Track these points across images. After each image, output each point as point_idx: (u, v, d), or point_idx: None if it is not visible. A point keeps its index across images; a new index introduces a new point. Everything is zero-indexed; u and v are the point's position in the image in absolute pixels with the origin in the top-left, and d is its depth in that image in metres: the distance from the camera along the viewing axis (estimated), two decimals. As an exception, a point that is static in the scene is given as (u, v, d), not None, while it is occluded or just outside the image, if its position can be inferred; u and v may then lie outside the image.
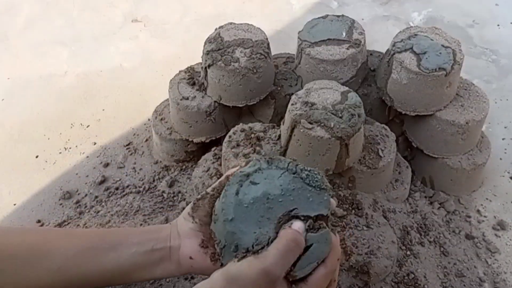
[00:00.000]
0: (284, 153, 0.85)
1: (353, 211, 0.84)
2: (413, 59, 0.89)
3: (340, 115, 0.79)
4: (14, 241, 0.61)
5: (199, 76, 1.00)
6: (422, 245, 0.88)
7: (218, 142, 1.02)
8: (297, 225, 0.53)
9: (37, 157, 1.12)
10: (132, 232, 0.66)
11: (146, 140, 1.13)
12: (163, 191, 0.99)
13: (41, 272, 0.60)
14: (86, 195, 1.01)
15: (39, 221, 0.97)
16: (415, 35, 0.93)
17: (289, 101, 0.84)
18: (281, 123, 0.87)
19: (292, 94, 0.85)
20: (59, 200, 1.01)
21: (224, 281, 0.51)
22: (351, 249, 0.76)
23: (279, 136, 0.87)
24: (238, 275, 0.51)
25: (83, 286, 0.63)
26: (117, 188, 1.01)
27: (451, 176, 0.96)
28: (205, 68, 0.94)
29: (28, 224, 0.96)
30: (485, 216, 0.97)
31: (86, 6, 1.60)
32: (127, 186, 1.02)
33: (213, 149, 0.97)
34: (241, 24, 0.99)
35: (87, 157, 1.11)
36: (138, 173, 1.05)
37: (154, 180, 1.03)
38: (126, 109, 1.23)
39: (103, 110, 1.24)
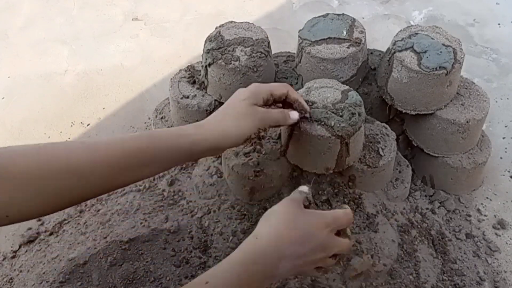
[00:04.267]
0: (284, 152, 0.85)
1: (355, 210, 0.84)
2: (413, 58, 0.88)
3: (340, 114, 0.79)
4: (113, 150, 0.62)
5: (200, 75, 0.99)
6: (422, 244, 0.88)
7: (218, 140, 1.01)
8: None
9: (37, 155, 1.12)
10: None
11: (147, 138, 1.12)
12: (164, 190, 0.99)
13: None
14: (86, 193, 1.01)
15: (39, 220, 0.97)
16: (416, 34, 0.93)
17: (289, 100, 0.84)
18: (282, 122, 0.87)
19: (293, 93, 0.85)
20: (60, 198, 1.01)
21: None
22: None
23: (279, 135, 0.87)
24: None
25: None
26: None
27: (452, 175, 0.96)
28: (206, 66, 0.94)
29: (25, 224, 0.96)
30: (485, 215, 0.97)
31: (86, 4, 1.60)
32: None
33: (213, 148, 0.97)
34: (242, 22, 0.99)
35: (87, 155, 1.11)
36: (138, 171, 1.05)
37: (154, 179, 1.02)
38: (127, 108, 1.23)
39: (104, 108, 1.23)
